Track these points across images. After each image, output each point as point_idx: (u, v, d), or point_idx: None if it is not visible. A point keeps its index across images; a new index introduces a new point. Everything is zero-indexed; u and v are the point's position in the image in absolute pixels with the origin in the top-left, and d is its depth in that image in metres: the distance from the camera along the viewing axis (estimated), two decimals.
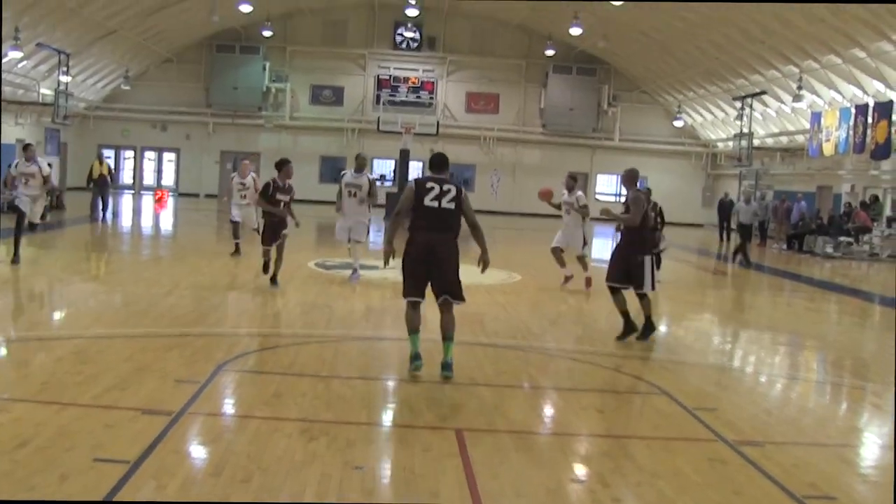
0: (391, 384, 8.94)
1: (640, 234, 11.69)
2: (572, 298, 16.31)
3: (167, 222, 33.46)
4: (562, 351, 10.98)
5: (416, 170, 44.55)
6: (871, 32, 26.76)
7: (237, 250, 18.89)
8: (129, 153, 46.76)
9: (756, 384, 10.43)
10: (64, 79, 35.81)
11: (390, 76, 46.61)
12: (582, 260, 17.31)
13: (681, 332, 13.92)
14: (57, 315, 12.46)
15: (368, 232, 16.38)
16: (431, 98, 46.60)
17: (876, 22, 25.99)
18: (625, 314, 11.49)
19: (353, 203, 15.56)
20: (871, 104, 28.95)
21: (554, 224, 44.40)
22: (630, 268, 11.54)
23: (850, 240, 31.03)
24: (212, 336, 10.62)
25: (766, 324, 15.39)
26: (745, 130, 37.32)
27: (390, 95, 46.01)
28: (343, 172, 16.68)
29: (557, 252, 17.36)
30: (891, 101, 27.73)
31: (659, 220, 16.74)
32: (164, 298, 13.11)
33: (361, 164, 15.82)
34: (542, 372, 10.01)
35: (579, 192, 18.10)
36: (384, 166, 46.71)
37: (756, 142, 38.20)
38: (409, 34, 46.48)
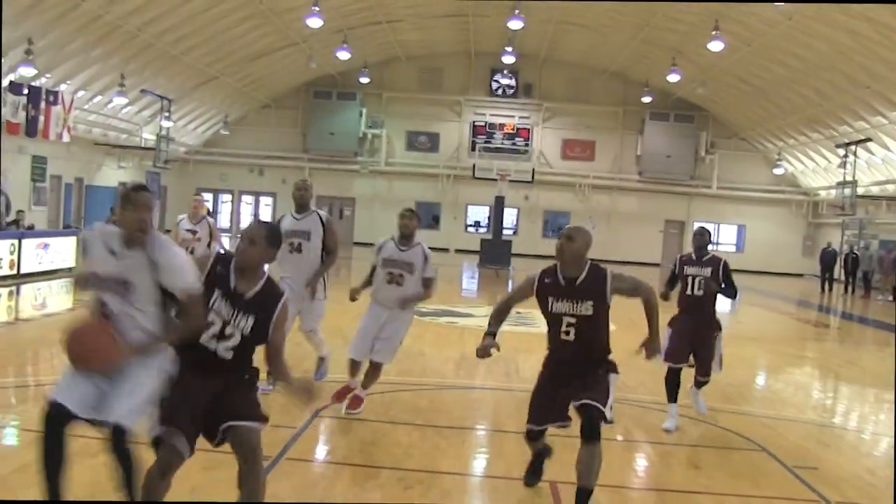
0: (485, 434, 8.86)
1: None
2: None
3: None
4: (657, 404, 10.77)
5: (511, 216, 44.64)
6: None
7: None
8: (227, 197, 47.76)
9: (859, 443, 10.07)
10: (165, 124, 36.89)
11: (486, 123, 46.86)
12: None
13: (779, 386, 13.57)
14: None
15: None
16: (527, 145, 46.67)
17: None
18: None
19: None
20: None
21: (651, 272, 44.00)
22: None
23: None
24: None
25: (870, 379, 14.91)
26: (849, 178, 36.52)
27: (485, 142, 46.20)
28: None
29: None
30: None
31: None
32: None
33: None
34: (638, 425, 9.81)
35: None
36: (479, 213, 46.86)
37: (860, 190, 37.32)
38: (504, 81, 46.72)
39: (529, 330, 16.16)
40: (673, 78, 37.88)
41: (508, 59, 42.72)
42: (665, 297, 9.51)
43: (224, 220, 47.33)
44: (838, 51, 29.91)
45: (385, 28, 38.72)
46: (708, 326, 9.65)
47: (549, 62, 45.81)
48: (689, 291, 9.67)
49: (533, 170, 44.97)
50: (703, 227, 10.10)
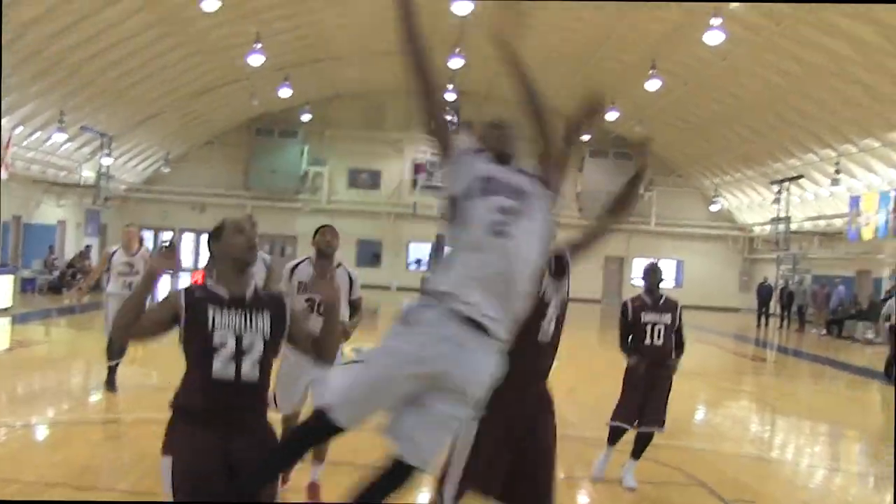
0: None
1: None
2: (609, 386, 16.14)
3: None
4: (599, 440, 10.85)
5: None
6: None
7: (112, 382, 12.25)
8: (168, 234, 47.32)
9: (795, 475, 10.25)
10: (106, 161, 36.53)
11: (427, 161, 47.08)
12: None
13: (718, 420, 13.76)
14: (95, 398, 12.45)
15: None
16: None
17: None
18: None
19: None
20: None
21: (591, 310, 44.26)
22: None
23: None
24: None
25: (806, 412, 15.18)
26: (783, 214, 37.23)
27: (427, 180, 46.42)
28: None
29: None
30: None
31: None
32: None
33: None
34: (580, 461, 9.89)
35: None
36: (421, 250, 46.95)
37: (794, 226, 38.07)
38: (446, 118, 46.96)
39: None
40: (611, 116, 38.42)
41: (450, 97, 43.05)
42: (625, 349, 8.75)
43: None
44: (771, 90, 30.62)
45: (327, 65, 38.85)
46: (666, 378, 8.74)
47: (489, 100, 46.10)
48: (647, 342, 8.61)
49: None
50: (654, 264, 9.00)
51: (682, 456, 10.29)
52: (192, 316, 4.25)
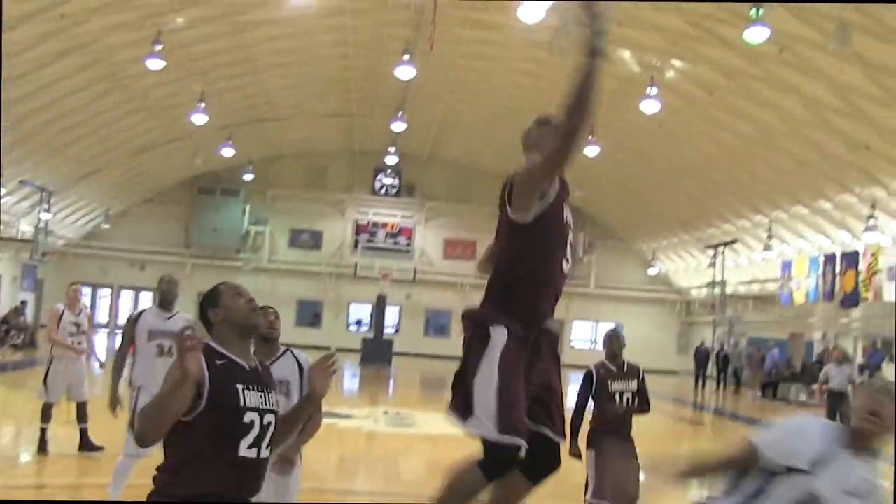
0: None
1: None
2: None
3: None
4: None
5: (393, 315, 44.82)
6: (835, 185, 27.63)
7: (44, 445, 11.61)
8: (106, 291, 46.83)
9: None
10: (45, 216, 36.14)
11: (369, 221, 47.28)
12: None
13: (655, 484, 13.90)
14: (25, 460, 12.12)
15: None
16: (409, 244, 47.19)
17: (840, 175, 26.85)
18: None
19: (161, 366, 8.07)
20: (839, 253, 29.58)
21: None
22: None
23: None
24: None
25: None
26: (718, 278, 37.88)
27: (368, 240, 46.58)
28: (140, 312, 9.24)
29: None
30: (856, 252, 28.37)
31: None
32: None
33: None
34: None
35: None
36: (361, 311, 46.89)
37: (729, 289, 38.72)
38: (388, 180, 47.33)
39: (410, 431, 16.27)
40: None
41: (392, 160, 43.39)
42: (579, 422, 8.27)
43: (102, 316, 46.34)
44: (705, 158, 31.37)
45: (271, 125, 39.03)
46: (633, 445, 8.40)
47: (431, 162, 46.64)
48: (615, 410, 8.34)
49: (415, 269, 45.49)
50: (615, 330, 8.94)
51: None
52: (217, 390, 3.80)
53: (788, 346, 37.07)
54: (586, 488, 8.28)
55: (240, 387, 3.86)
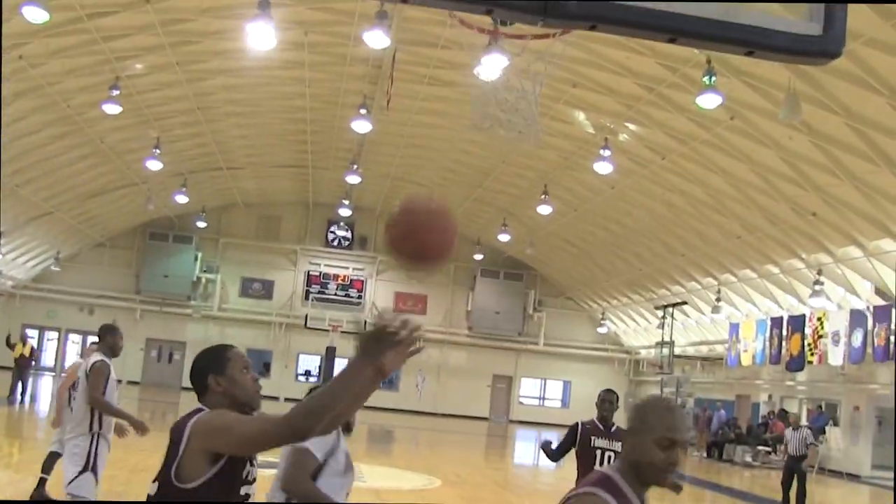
0: None
1: None
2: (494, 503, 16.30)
3: None
4: None
5: (342, 366, 44.57)
6: (782, 250, 28.12)
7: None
8: (54, 335, 46.20)
9: None
10: None
11: (320, 272, 47.23)
12: None
13: None
14: None
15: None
16: (360, 296, 47.16)
17: (787, 241, 27.34)
18: None
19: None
20: (786, 318, 30.02)
21: (478, 426, 44.31)
22: None
23: (769, 449, 31.56)
24: None
25: None
26: (667, 339, 38.21)
27: (319, 292, 46.52)
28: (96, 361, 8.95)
29: None
30: (803, 315, 28.83)
31: None
32: None
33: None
34: None
35: None
36: (310, 362, 46.67)
37: (677, 350, 39.07)
38: (340, 232, 47.39)
39: (356, 484, 16.16)
40: (503, 237, 39.32)
41: (345, 212, 43.48)
42: (552, 459, 8.89)
43: (49, 359, 45.67)
44: (656, 219, 31.81)
45: (225, 174, 39.02)
46: None
47: (384, 216, 46.49)
48: (596, 467, 7.94)
49: (365, 321, 45.39)
50: (611, 391, 8.84)
51: None
52: (232, 459, 3.54)
53: (735, 407, 37.41)
54: None
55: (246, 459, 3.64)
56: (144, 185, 36.63)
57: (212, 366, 3.75)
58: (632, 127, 25.89)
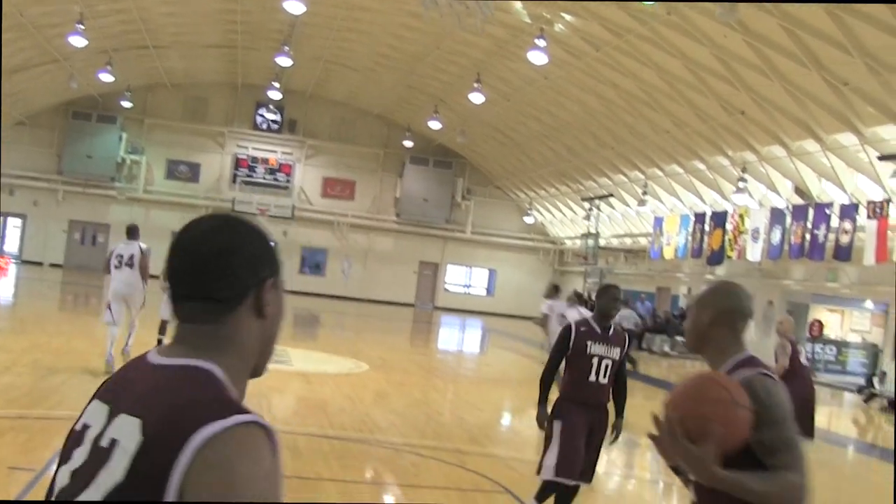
0: None
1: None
2: (419, 391, 16.61)
3: (6, 291, 32.37)
4: (408, 445, 11.22)
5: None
6: (709, 147, 28.47)
7: None
8: None
9: (596, 482, 10.85)
10: None
11: (248, 156, 46.65)
12: None
13: (522, 428, 14.34)
14: None
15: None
16: (288, 181, 46.80)
17: (715, 138, 27.67)
18: None
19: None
20: (708, 213, 30.56)
21: (403, 313, 44.74)
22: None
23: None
24: (52, 419, 9.90)
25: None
26: (592, 230, 38.70)
27: (247, 175, 46.04)
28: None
29: None
30: (725, 212, 29.38)
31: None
32: (0, 376, 12.42)
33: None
34: (388, 467, 10.23)
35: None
36: None
37: (602, 242, 39.61)
38: (269, 115, 46.70)
39: (283, 368, 16.37)
40: (434, 125, 39.14)
41: (275, 95, 42.80)
42: (549, 380, 7.38)
43: None
44: (588, 112, 31.90)
45: (151, 53, 38.02)
46: (604, 423, 7.41)
47: (314, 100, 46.19)
48: (591, 378, 7.14)
49: (293, 206, 45.25)
50: (612, 285, 7.49)
51: (489, 463, 10.72)
52: None
53: (655, 298, 38.28)
54: (540, 464, 7.37)
55: None
56: (67, 62, 35.57)
57: (268, 265, 1.94)
58: (568, 17, 25.70)
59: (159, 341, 15.73)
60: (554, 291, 18.64)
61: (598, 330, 7.15)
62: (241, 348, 1.83)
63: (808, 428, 10.59)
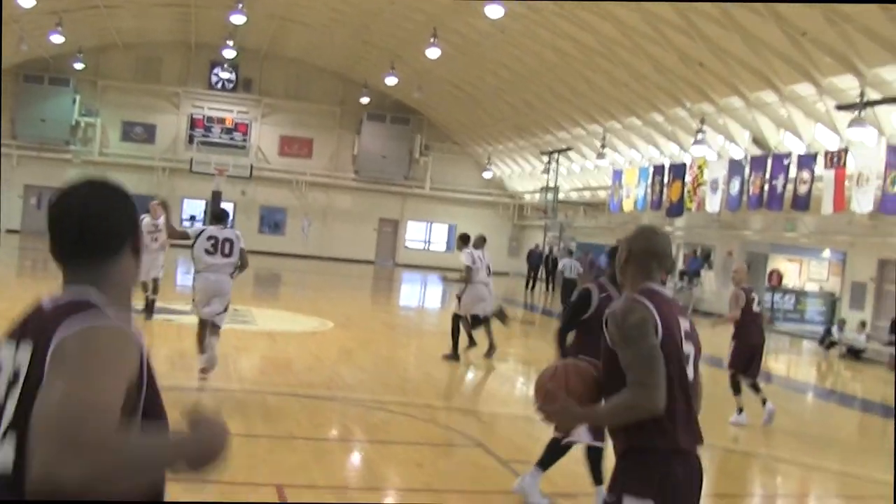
0: None
1: None
2: (385, 348, 16.68)
3: None
4: (376, 402, 11.27)
5: (227, 211, 44.22)
6: (668, 99, 28.57)
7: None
8: None
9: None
10: None
11: (204, 116, 46.19)
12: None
13: (490, 383, 14.47)
14: None
15: None
16: (245, 140, 46.43)
17: (673, 90, 27.77)
18: None
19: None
20: (667, 165, 30.73)
21: (364, 270, 44.73)
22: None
23: None
24: None
25: None
26: (551, 184, 38.80)
27: (204, 135, 45.62)
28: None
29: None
30: (684, 164, 29.57)
31: None
32: None
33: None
34: (359, 424, 10.29)
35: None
36: (195, 207, 46.04)
37: (561, 195, 39.78)
38: (224, 75, 46.14)
39: (248, 328, 16.38)
40: (391, 81, 38.85)
41: (229, 53, 42.24)
42: (563, 339, 7.32)
43: None
44: (545, 66, 31.84)
45: (102, 13, 37.41)
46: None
47: (270, 58, 45.73)
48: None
49: (251, 165, 44.92)
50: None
51: (460, 418, 10.84)
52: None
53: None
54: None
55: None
56: (17, 24, 34.87)
57: (131, 222, 2.40)
58: None
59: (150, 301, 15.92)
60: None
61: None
62: (124, 277, 2.31)
63: (753, 371, 11.78)
